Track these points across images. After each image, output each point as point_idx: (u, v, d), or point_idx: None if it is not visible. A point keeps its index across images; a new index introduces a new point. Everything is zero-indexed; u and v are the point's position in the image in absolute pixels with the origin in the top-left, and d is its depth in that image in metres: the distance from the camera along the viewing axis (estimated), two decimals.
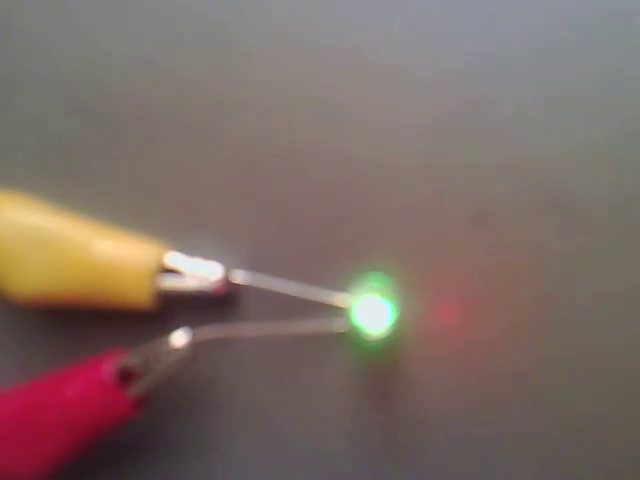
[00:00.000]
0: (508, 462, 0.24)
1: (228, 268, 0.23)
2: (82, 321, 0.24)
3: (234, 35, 0.25)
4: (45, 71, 0.25)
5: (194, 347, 0.22)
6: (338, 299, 0.23)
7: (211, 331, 0.23)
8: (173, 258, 0.23)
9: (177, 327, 0.23)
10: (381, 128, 0.24)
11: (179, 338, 0.22)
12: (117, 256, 0.23)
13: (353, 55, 0.25)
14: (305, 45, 0.25)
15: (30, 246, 0.23)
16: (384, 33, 0.25)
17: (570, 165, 0.24)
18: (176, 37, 0.25)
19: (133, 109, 0.25)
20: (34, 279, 0.23)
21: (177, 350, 0.22)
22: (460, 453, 0.24)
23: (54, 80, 0.25)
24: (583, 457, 0.24)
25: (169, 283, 0.23)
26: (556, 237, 0.24)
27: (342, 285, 0.23)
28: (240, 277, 0.24)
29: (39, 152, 0.25)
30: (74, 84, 0.25)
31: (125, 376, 0.22)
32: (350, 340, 0.23)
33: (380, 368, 0.24)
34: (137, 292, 0.23)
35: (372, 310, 0.23)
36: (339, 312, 0.23)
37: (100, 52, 0.25)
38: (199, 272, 0.23)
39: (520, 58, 0.25)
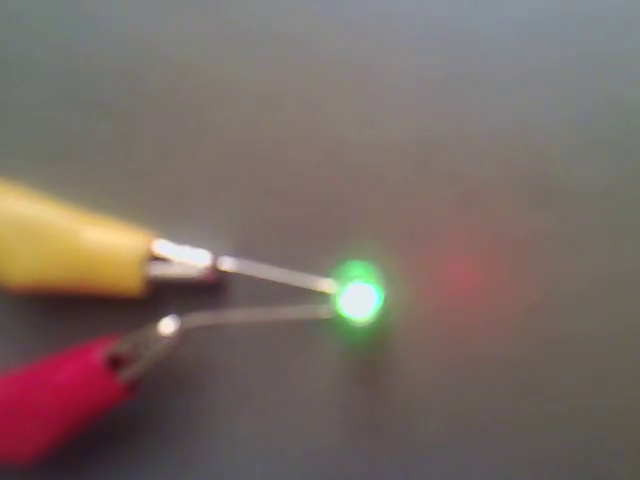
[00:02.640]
0: (495, 444, 0.24)
1: (216, 255, 0.24)
2: (72, 308, 0.24)
3: (221, 25, 0.25)
4: (33, 58, 0.25)
5: (182, 334, 0.23)
6: (325, 285, 0.24)
7: (199, 318, 0.23)
8: (161, 246, 0.23)
9: (166, 314, 0.23)
10: (366, 113, 0.25)
11: (167, 325, 0.23)
12: (106, 244, 0.23)
13: (335, 38, 0.25)
14: (288, 31, 0.25)
15: (19, 234, 0.23)
16: (367, 13, 0.25)
17: (557, 145, 0.24)
18: (165, 26, 0.25)
19: (120, 97, 0.25)
20: (23, 267, 0.23)
21: (165, 337, 0.23)
22: (447, 436, 0.24)
23: (40, 67, 0.25)
24: (567, 439, 0.24)
25: (158, 270, 0.23)
26: (543, 219, 0.24)
27: (329, 271, 0.24)
28: (228, 264, 0.24)
29: (26, 140, 0.25)
30: (60, 71, 0.25)
31: (115, 362, 0.22)
32: (336, 326, 0.24)
33: (366, 353, 0.24)
34: (126, 280, 0.23)
35: (358, 296, 0.23)
36: (326, 298, 0.23)
37: (89, 39, 0.25)
38: (187, 259, 0.23)
39: (506, 36, 0.25)
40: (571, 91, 0.24)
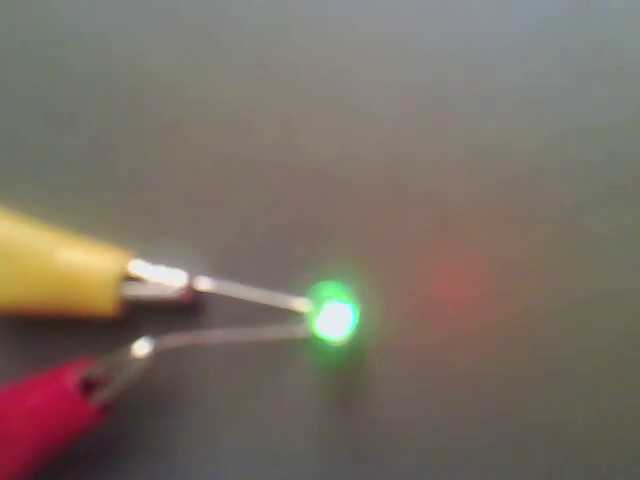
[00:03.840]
0: (474, 463, 0.24)
1: (192, 275, 0.24)
2: (46, 330, 0.24)
3: (197, 43, 0.25)
4: (10, 77, 0.25)
5: (157, 355, 0.23)
6: (300, 305, 0.24)
7: (175, 339, 0.23)
8: (137, 266, 0.23)
9: (142, 334, 0.23)
10: (342, 132, 0.25)
11: (142, 347, 0.23)
12: (81, 264, 0.23)
13: (316, 54, 0.25)
14: (268, 48, 0.25)
15: None
16: (344, 31, 0.25)
17: (534, 163, 0.25)
18: (142, 43, 0.25)
19: (96, 116, 0.25)
20: None
21: (140, 359, 0.22)
22: (425, 456, 0.24)
23: (19, 86, 0.25)
24: (548, 456, 0.24)
25: (133, 291, 0.23)
26: (519, 237, 0.24)
27: (304, 291, 0.24)
28: (204, 284, 0.24)
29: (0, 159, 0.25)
30: (38, 90, 0.25)
31: (89, 385, 0.22)
32: (313, 345, 0.24)
33: (343, 372, 0.24)
34: (101, 300, 0.23)
35: (333, 315, 0.23)
36: (302, 318, 0.23)
37: (64, 58, 0.25)
38: (163, 279, 0.23)
39: (485, 56, 0.25)
40: (549, 109, 0.25)
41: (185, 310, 0.24)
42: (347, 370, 0.24)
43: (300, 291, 0.24)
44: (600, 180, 0.24)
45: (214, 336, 0.23)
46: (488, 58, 0.25)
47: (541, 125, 0.25)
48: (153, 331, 0.23)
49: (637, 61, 0.25)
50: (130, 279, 0.23)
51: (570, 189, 0.24)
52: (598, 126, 0.25)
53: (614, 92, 0.25)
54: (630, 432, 0.24)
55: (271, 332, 0.23)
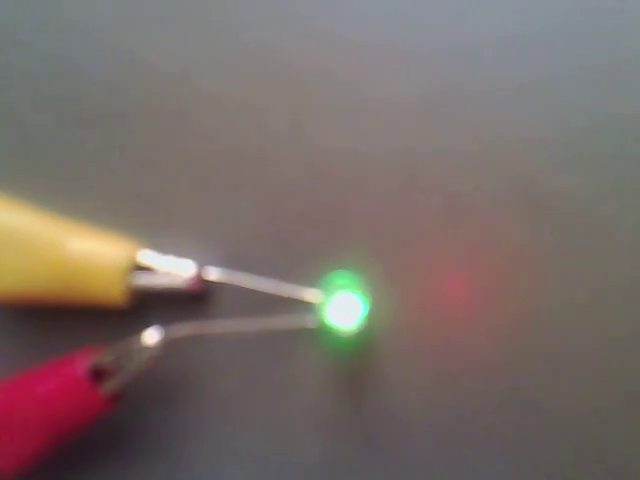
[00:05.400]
0: (481, 455, 0.24)
1: (201, 265, 0.24)
2: (56, 319, 0.24)
3: (208, 32, 0.25)
4: (18, 66, 0.25)
5: (166, 345, 0.23)
6: (310, 295, 0.23)
7: (184, 328, 0.23)
8: (146, 256, 0.23)
9: (151, 324, 0.23)
10: (352, 125, 0.25)
11: (151, 336, 0.23)
12: (90, 254, 0.23)
13: (324, 48, 0.25)
14: (276, 42, 0.25)
15: (2, 245, 0.23)
16: (354, 27, 0.25)
17: (542, 158, 0.24)
18: (151, 38, 0.25)
19: (106, 106, 0.25)
20: (7, 278, 0.23)
21: (149, 348, 0.22)
22: (434, 447, 0.24)
23: (26, 75, 0.25)
24: (554, 450, 0.24)
25: (142, 281, 0.23)
26: (528, 231, 0.24)
27: (315, 281, 0.24)
28: (213, 274, 0.24)
29: (9, 149, 0.25)
30: (47, 79, 0.25)
31: (98, 373, 0.22)
32: (322, 335, 0.24)
33: (352, 363, 0.24)
34: (111, 290, 0.23)
35: (344, 305, 0.23)
36: (311, 308, 0.23)
37: (74, 47, 0.25)
38: (172, 269, 0.23)
39: (490, 52, 0.25)
40: (560, 102, 0.24)
41: (194, 300, 0.24)
42: (356, 360, 0.24)
43: (310, 281, 0.24)
44: (610, 174, 0.24)
45: (223, 326, 0.23)
46: (498, 51, 0.25)
47: (551, 118, 0.24)
48: (162, 320, 0.23)
49: None
50: (139, 269, 0.23)
51: (580, 182, 0.24)
52: (609, 119, 0.24)
53: (623, 85, 0.24)
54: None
55: (280, 322, 0.23)
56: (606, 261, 0.24)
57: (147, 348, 0.22)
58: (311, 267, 0.24)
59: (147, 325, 0.23)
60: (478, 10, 0.25)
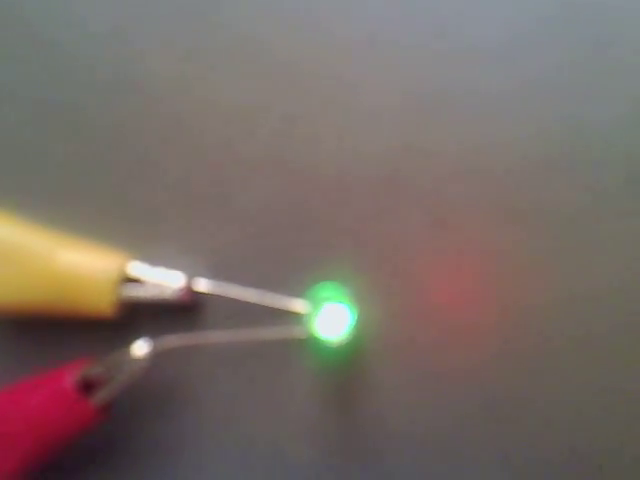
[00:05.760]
0: (471, 463, 0.24)
1: (190, 276, 0.24)
2: (46, 330, 0.24)
3: (195, 42, 0.25)
4: (9, 79, 0.25)
5: (156, 356, 0.23)
6: (299, 306, 0.24)
7: (173, 340, 0.23)
8: (136, 267, 0.23)
9: (141, 335, 0.23)
10: (337, 137, 0.25)
11: (141, 347, 0.23)
12: (80, 266, 0.23)
13: (314, 54, 0.25)
14: (267, 53, 0.25)
15: None
16: (346, 31, 0.25)
17: (526, 164, 0.25)
18: (137, 48, 0.25)
19: (94, 119, 0.25)
20: None
21: (139, 359, 0.22)
22: (422, 453, 0.24)
23: (16, 87, 0.25)
24: (542, 455, 0.24)
25: (132, 292, 0.23)
26: (513, 237, 0.25)
27: (303, 292, 0.24)
28: (202, 285, 0.24)
29: None
30: (36, 92, 0.25)
31: (88, 385, 0.22)
32: (311, 346, 0.24)
33: (341, 372, 0.24)
34: (100, 301, 0.23)
35: (331, 316, 0.23)
36: (300, 319, 0.24)
37: (62, 59, 0.25)
38: (162, 281, 0.23)
39: (478, 58, 0.25)
40: (547, 110, 0.25)
41: (183, 311, 0.24)
42: (345, 371, 0.24)
43: (298, 292, 0.24)
44: (598, 180, 0.25)
45: (212, 337, 0.24)
46: (487, 57, 0.25)
47: (536, 125, 0.25)
48: (151, 332, 0.23)
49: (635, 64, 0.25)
50: (129, 280, 0.23)
51: (567, 189, 0.25)
52: (593, 126, 0.25)
53: (608, 92, 0.25)
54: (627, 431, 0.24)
55: (269, 333, 0.24)
56: (589, 266, 0.24)
57: (137, 359, 0.22)
58: (299, 278, 0.24)
59: (137, 336, 0.23)
60: (463, 14, 0.25)
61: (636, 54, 0.25)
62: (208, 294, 0.24)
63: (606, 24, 0.25)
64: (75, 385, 0.22)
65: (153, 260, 0.24)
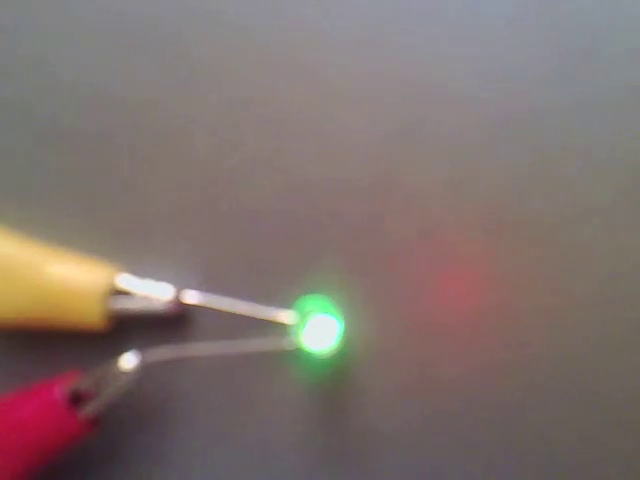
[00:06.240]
0: (461, 469, 0.24)
1: (179, 289, 0.24)
2: (34, 343, 0.24)
3: (180, 56, 0.25)
4: None
5: (144, 368, 0.23)
6: (287, 317, 0.24)
7: (162, 352, 0.23)
8: (124, 280, 0.24)
9: (129, 347, 0.23)
10: (327, 147, 0.25)
11: (129, 360, 0.23)
12: (68, 278, 0.23)
13: (300, 74, 0.25)
14: (252, 64, 0.25)
15: None
16: (330, 53, 0.25)
17: (510, 179, 0.25)
18: (123, 60, 0.25)
19: (83, 131, 0.25)
20: None
21: (127, 372, 0.23)
22: (413, 462, 0.24)
23: (6, 102, 0.25)
24: (532, 467, 0.24)
25: (121, 304, 0.23)
26: (503, 250, 0.25)
27: (291, 303, 0.24)
28: (191, 297, 0.24)
29: None
30: (23, 103, 0.25)
31: (77, 397, 0.22)
32: (298, 358, 0.24)
33: (329, 384, 0.25)
34: (89, 314, 0.23)
35: (319, 328, 0.23)
36: (288, 330, 0.24)
37: (49, 72, 0.25)
38: (150, 293, 0.24)
39: (457, 84, 0.25)
40: (531, 126, 0.25)
41: (172, 323, 0.24)
42: (333, 382, 0.25)
43: (286, 304, 0.24)
44: (579, 198, 0.25)
45: (201, 349, 0.24)
46: (469, 81, 0.25)
47: (523, 141, 0.25)
48: (140, 344, 0.24)
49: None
50: (118, 293, 0.23)
51: (551, 202, 0.25)
52: (578, 146, 0.25)
53: (592, 113, 0.25)
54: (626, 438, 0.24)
55: (257, 345, 0.24)
56: (576, 276, 0.25)
57: (125, 372, 0.23)
58: (287, 290, 0.24)
59: (125, 349, 0.23)
60: (447, 41, 0.25)
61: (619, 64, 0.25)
62: (196, 306, 0.24)
63: (594, 54, 0.25)
64: (64, 397, 0.22)
65: (142, 272, 0.24)
